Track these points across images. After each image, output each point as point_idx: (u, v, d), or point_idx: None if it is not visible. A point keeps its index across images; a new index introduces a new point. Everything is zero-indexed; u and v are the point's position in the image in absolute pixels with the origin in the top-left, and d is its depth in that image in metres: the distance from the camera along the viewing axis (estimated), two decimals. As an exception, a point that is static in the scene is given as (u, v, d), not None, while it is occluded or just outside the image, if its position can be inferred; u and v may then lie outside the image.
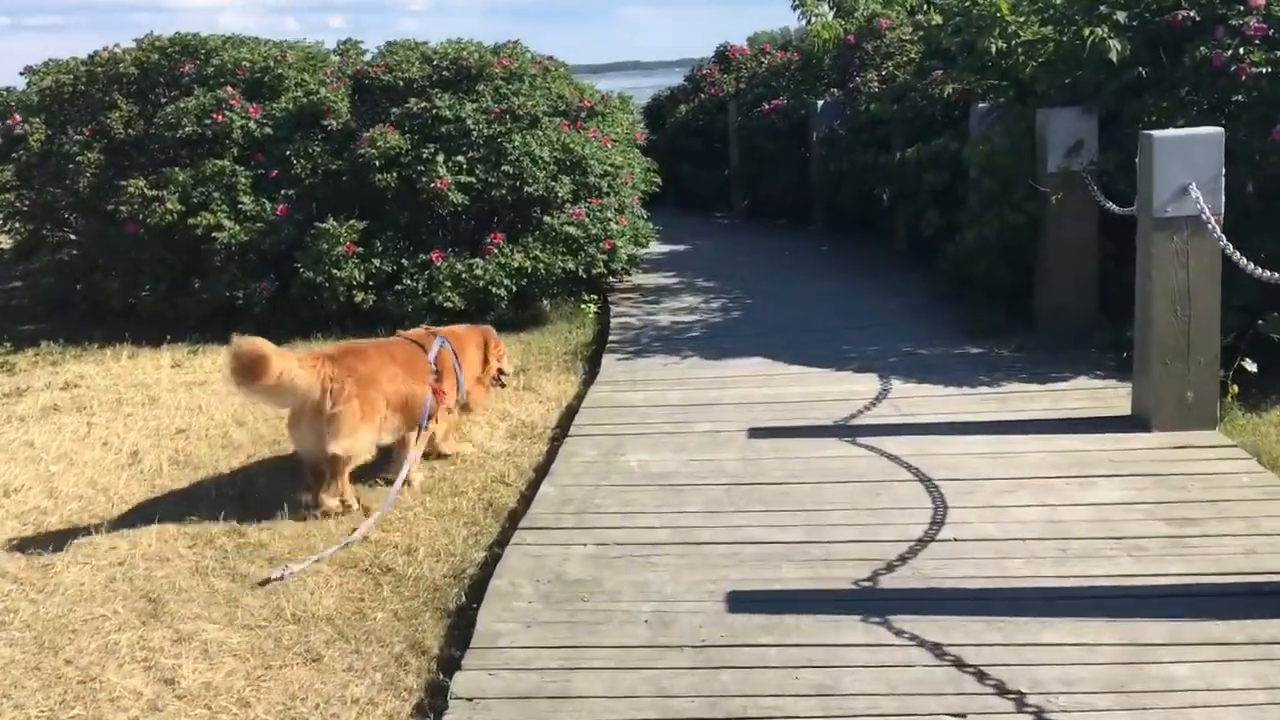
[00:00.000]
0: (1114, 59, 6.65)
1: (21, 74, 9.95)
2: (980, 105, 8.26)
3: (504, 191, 8.46)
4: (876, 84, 11.52)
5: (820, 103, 11.96)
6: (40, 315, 9.76)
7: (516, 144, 8.49)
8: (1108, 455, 5.00)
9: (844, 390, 6.31)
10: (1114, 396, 5.83)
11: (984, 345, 7.06)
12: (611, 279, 9.59)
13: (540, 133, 8.72)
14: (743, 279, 9.96)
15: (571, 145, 8.64)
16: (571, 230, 8.51)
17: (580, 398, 6.60)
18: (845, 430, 5.59)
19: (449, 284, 8.29)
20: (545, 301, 8.99)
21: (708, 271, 10.31)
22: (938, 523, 4.33)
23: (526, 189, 8.45)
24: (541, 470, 5.37)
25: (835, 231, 12.07)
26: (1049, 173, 6.94)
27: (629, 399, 6.39)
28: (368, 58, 9.80)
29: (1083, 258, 6.98)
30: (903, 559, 4.02)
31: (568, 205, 8.66)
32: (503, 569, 4.11)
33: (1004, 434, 5.40)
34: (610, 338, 8.01)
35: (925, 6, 13.29)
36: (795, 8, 13.23)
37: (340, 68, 9.27)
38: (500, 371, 6.06)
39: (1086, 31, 6.72)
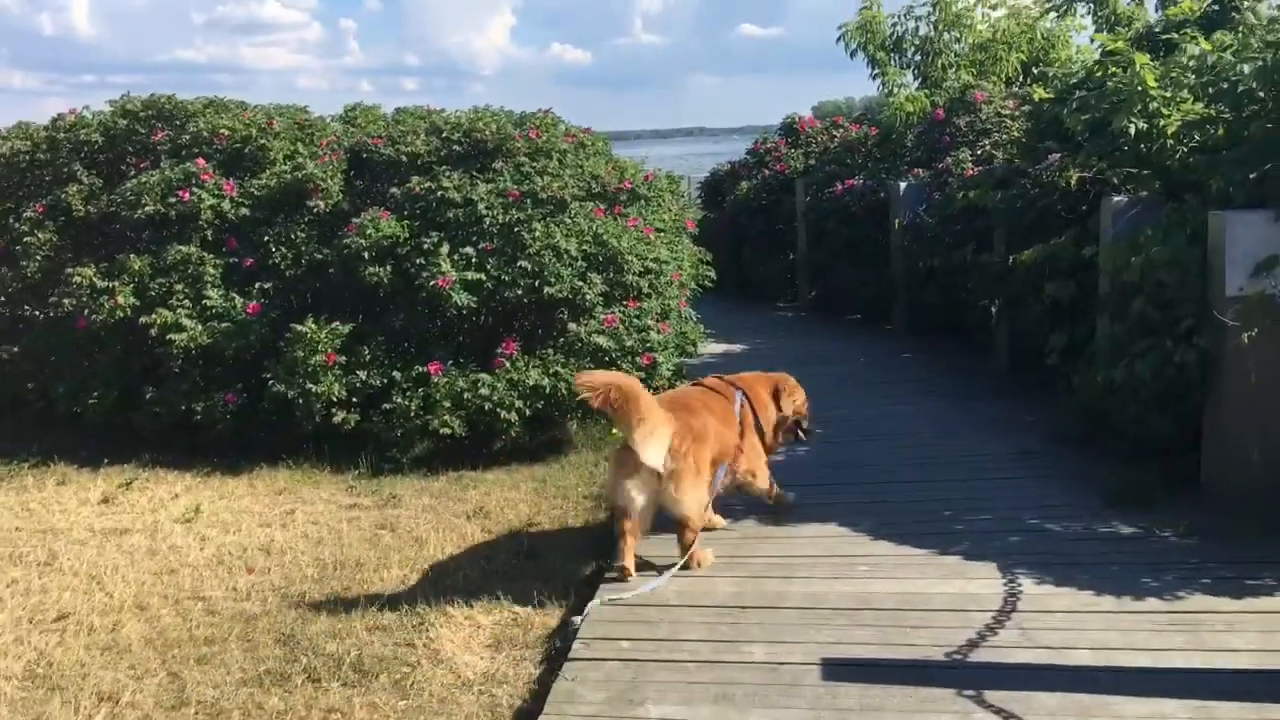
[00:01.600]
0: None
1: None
2: (1115, 199, 6.58)
3: (520, 291, 6.90)
4: (971, 165, 9.87)
5: (903, 185, 10.33)
6: (-15, 417, 8.36)
7: (537, 234, 6.95)
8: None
9: (953, 591, 4.58)
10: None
11: (1138, 521, 5.28)
12: (652, 394, 7.94)
13: (568, 220, 7.17)
14: (809, 395, 8.25)
15: (605, 236, 7.08)
16: (602, 341, 6.91)
17: (595, 579, 4.93)
18: (962, 674, 3.85)
19: (448, 404, 6.72)
20: (572, 423, 7.38)
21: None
22: None
23: (548, 289, 6.88)
24: (521, 728, 3.72)
25: (917, 334, 10.34)
26: (1228, 295, 5.20)
27: (660, 591, 4.70)
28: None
29: (1277, 409, 5.21)
30: None
31: (598, 309, 7.08)
32: None
33: (1205, 697, 3.63)
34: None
35: (1026, 79, 11.71)
36: (874, 77, 11.68)
37: (340, 139, 7.82)
38: (798, 424, 5.70)
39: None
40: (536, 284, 6.90)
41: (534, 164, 7.33)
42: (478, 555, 5.46)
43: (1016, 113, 10.31)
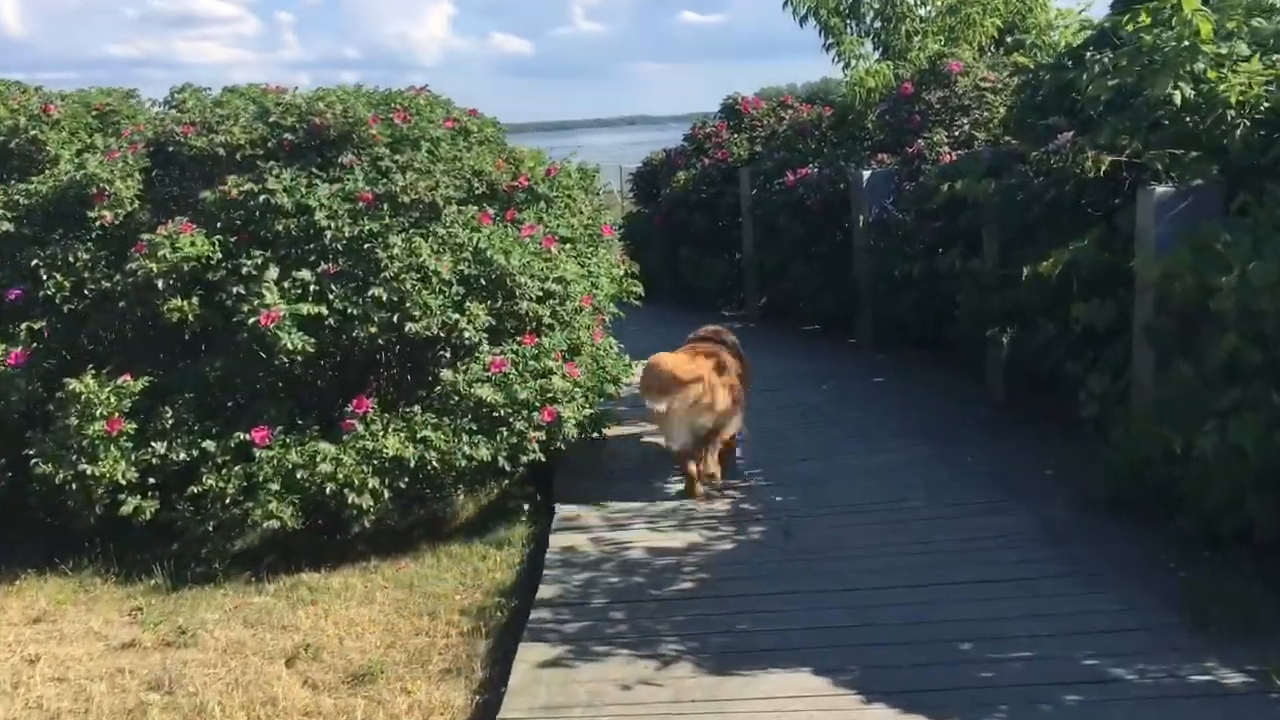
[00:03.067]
0: None
1: None
2: (1159, 190, 4.97)
3: (374, 329, 5.13)
4: (948, 149, 8.23)
5: (866, 174, 8.66)
6: None
7: (397, 251, 5.17)
8: None
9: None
10: None
11: (1244, 656, 3.63)
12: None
13: (441, 231, 5.40)
14: (763, 442, 6.59)
15: (490, 252, 5.31)
16: (486, 393, 5.15)
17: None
18: None
19: (276, 485, 4.93)
20: (458, 495, 5.64)
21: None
22: None
23: (411, 325, 5.11)
24: None
25: (887, 350, 8.69)
26: (1370, 331, 3.59)
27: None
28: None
29: None
30: None
31: (483, 349, 5.33)
32: None
33: None
34: (541, 592, 4.61)
35: (998, 49, 10.11)
36: (827, 47, 9.99)
37: (145, 129, 5.96)
38: None
39: None
40: (396, 318, 5.13)
41: (397, 157, 5.55)
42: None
43: (999, 85, 8.70)
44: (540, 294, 5.46)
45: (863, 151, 9.26)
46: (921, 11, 10.02)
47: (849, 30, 9.90)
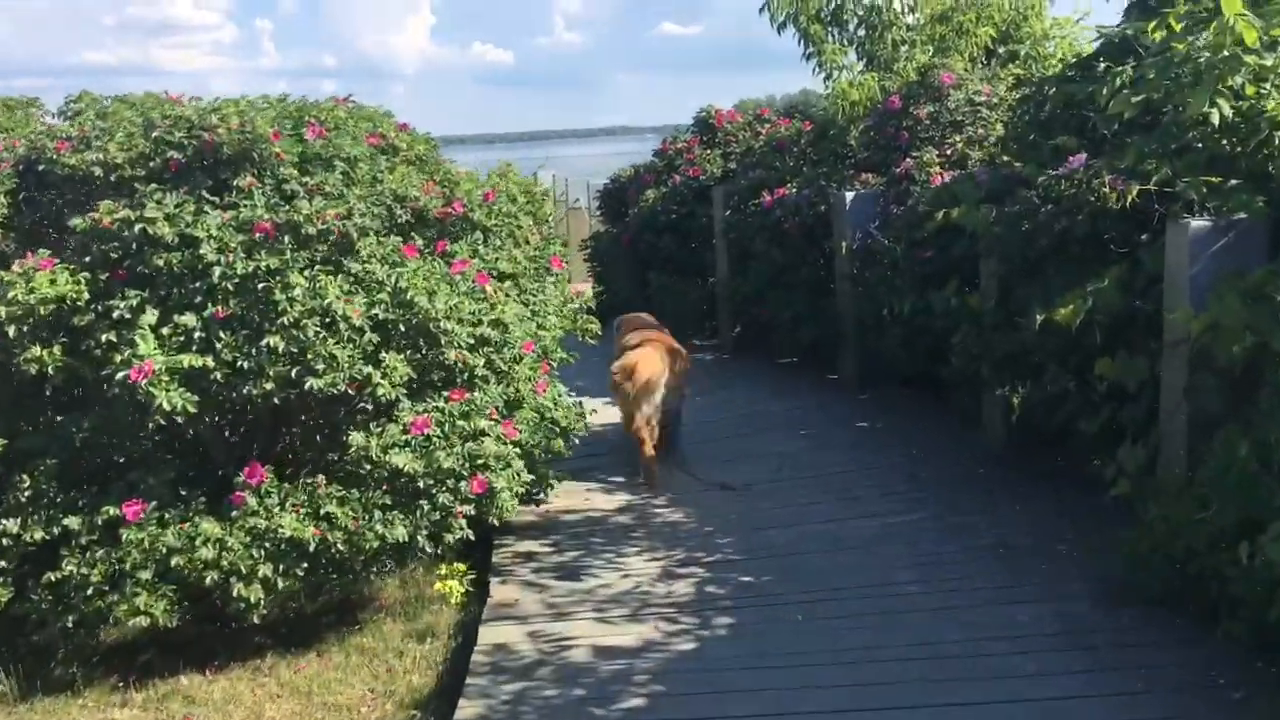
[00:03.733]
0: None
1: None
2: (1194, 223, 4.25)
3: (270, 385, 4.31)
4: (939, 169, 7.48)
5: (849, 195, 7.91)
6: None
7: (298, 293, 4.35)
8: None
9: None
10: None
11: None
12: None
13: (357, 267, 4.59)
14: (731, 500, 5.83)
15: (412, 293, 4.50)
16: (403, 461, 4.34)
17: None
18: None
19: (147, 573, 4.11)
20: (372, 575, 4.81)
21: (694, 493, 6.14)
22: None
23: (314, 381, 4.30)
24: None
25: (874, 387, 7.92)
26: None
27: None
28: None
29: None
30: None
31: (401, 408, 4.52)
32: None
33: None
34: (462, 710, 3.80)
35: (989, 60, 9.39)
36: (807, 57, 9.23)
37: (18, 145, 5.11)
38: None
39: None
40: (296, 372, 4.31)
41: (305, 179, 4.74)
42: None
43: (994, 99, 7.97)
44: (472, 341, 4.65)
45: (845, 171, 8.50)
46: (909, 19, 9.27)
47: (831, 39, 9.14)
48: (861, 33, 9.26)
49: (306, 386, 4.27)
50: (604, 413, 7.69)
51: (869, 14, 9.20)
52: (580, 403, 5.79)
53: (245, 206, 4.55)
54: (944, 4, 9.08)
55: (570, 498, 6.02)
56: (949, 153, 7.68)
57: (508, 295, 4.97)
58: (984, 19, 9.01)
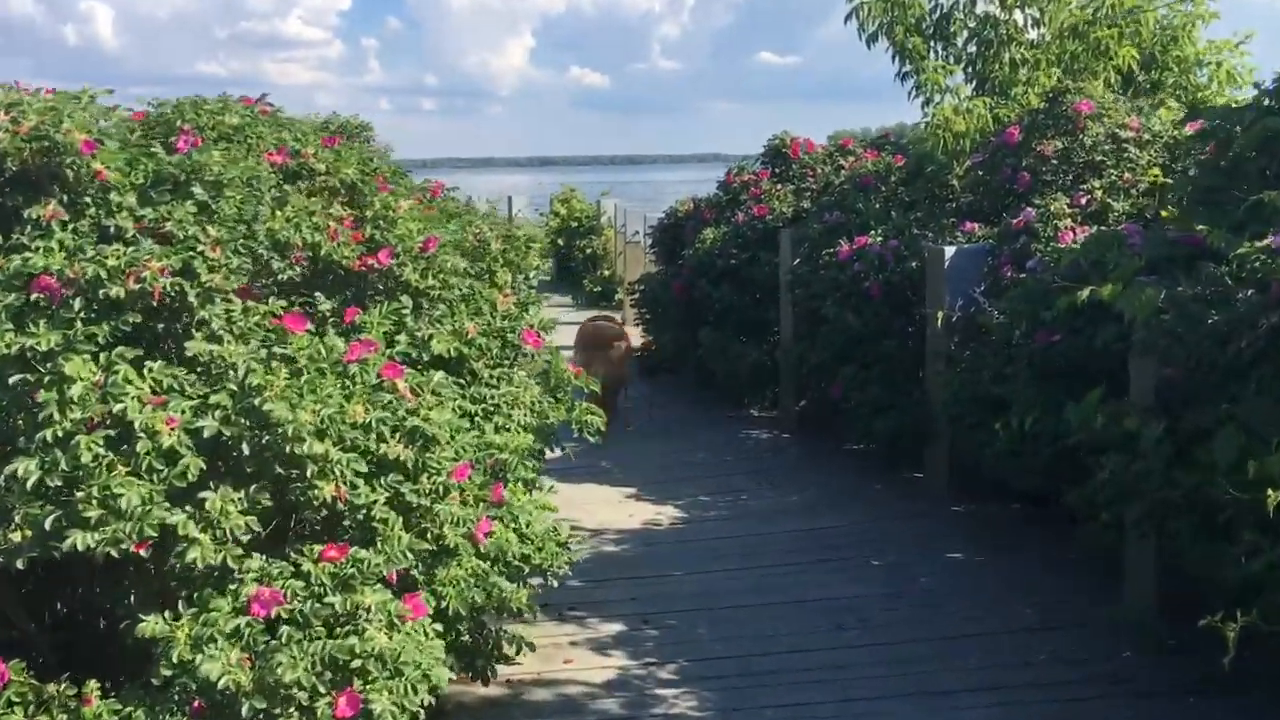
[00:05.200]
0: None
1: None
2: None
3: (20, 536, 2.72)
4: (1070, 222, 5.73)
5: (949, 250, 6.18)
6: None
7: (75, 392, 2.77)
8: None
9: None
10: None
11: None
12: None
13: (194, 347, 3.00)
14: (776, 681, 4.12)
15: (264, 401, 2.88)
16: (216, 672, 2.71)
17: None
18: None
19: None
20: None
21: (715, 662, 4.44)
22: None
23: (80, 536, 2.69)
24: None
25: (970, 498, 6.15)
26: None
27: None
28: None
29: None
30: None
31: (239, 575, 2.90)
32: None
33: None
34: None
35: (1127, 89, 7.62)
36: (903, 76, 7.52)
37: None
38: None
39: None
40: (53, 521, 2.72)
41: (144, 211, 3.17)
42: None
43: (1145, 135, 6.17)
44: (366, 469, 3.03)
45: (945, 218, 6.75)
46: (1032, 34, 7.51)
47: (933, 54, 7.42)
48: (972, 49, 7.52)
49: (66, 544, 2.67)
50: (612, 510, 6.08)
51: (982, 26, 7.46)
52: (565, 526, 4.15)
53: (37, 247, 2.99)
54: (1079, 15, 7.30)
55: (544, 656, 4.36)
56: (1084, 201, 5.91)
57: (438, 394, 3.32)
58: (1128, 35, 7.20)
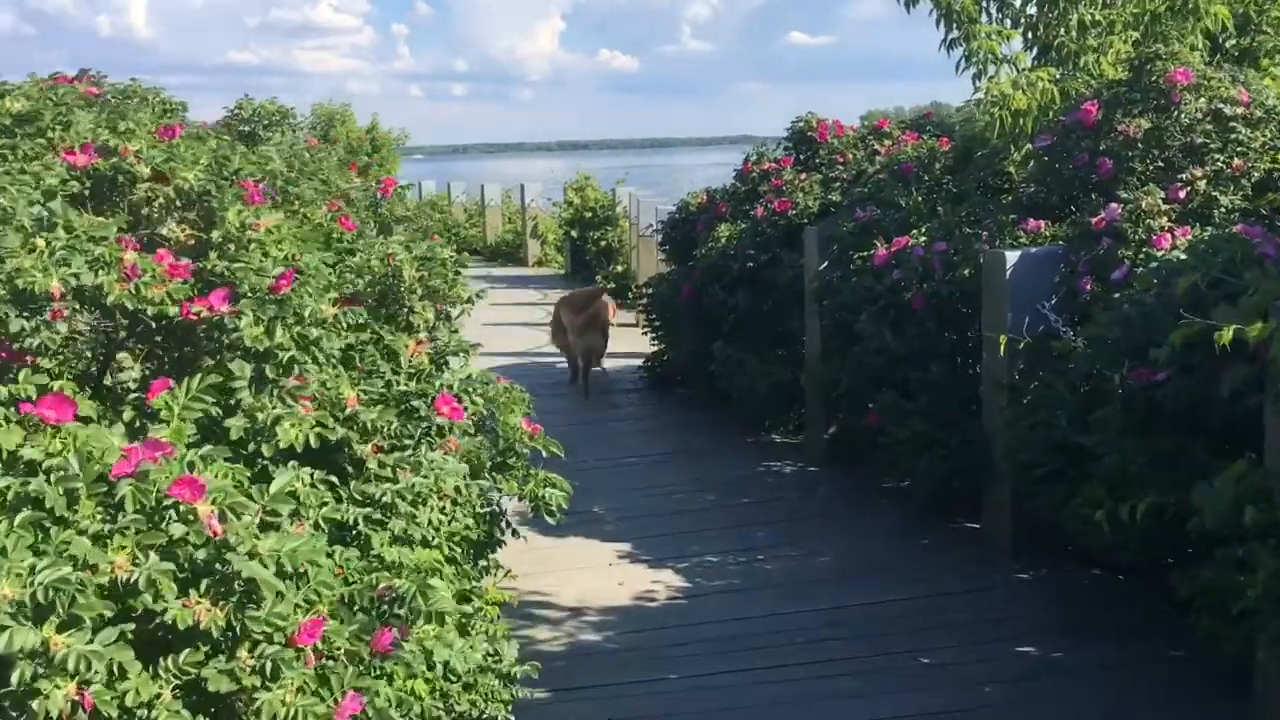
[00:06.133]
0: None
1: None
2: None
3: None
4: (1166, 223, 4.54)
5: (1011, 255, 4.98)
6: None
7: None
8: None
9: None
10: None
11: None
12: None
13: None
14: None
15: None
16: None
17: None
18: None
19: None
20: None
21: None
22: None
23: None
24: None
25: (1040, 560, 4.98)
26: None
27: None
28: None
29: None
30: None
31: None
32: None
33: None
34: None
35: (1215, 56, 6.41)
36: (949, 45, 6.30)
37: None
38: None
39: None
40: None
41: None
42: None
43: (1258, 112, 4.95)
44: (128, 655, 1.91)
45: (1002, 214, 5.56)
46: (1104, -9, 6.27)
47: (985, 16, 6.21)
48: (1032, 9, 6.29)
49: None
50: (597, 577, 5.01)
51: (1045, -18, 6.23)
52: (513, 647, 3.06)
53: None
54: (1162, -34, 6.06)
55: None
56: (1182, 195, 4.71)
57: (276, 513, 2.20)
58: (1220, -8, 5.97)
